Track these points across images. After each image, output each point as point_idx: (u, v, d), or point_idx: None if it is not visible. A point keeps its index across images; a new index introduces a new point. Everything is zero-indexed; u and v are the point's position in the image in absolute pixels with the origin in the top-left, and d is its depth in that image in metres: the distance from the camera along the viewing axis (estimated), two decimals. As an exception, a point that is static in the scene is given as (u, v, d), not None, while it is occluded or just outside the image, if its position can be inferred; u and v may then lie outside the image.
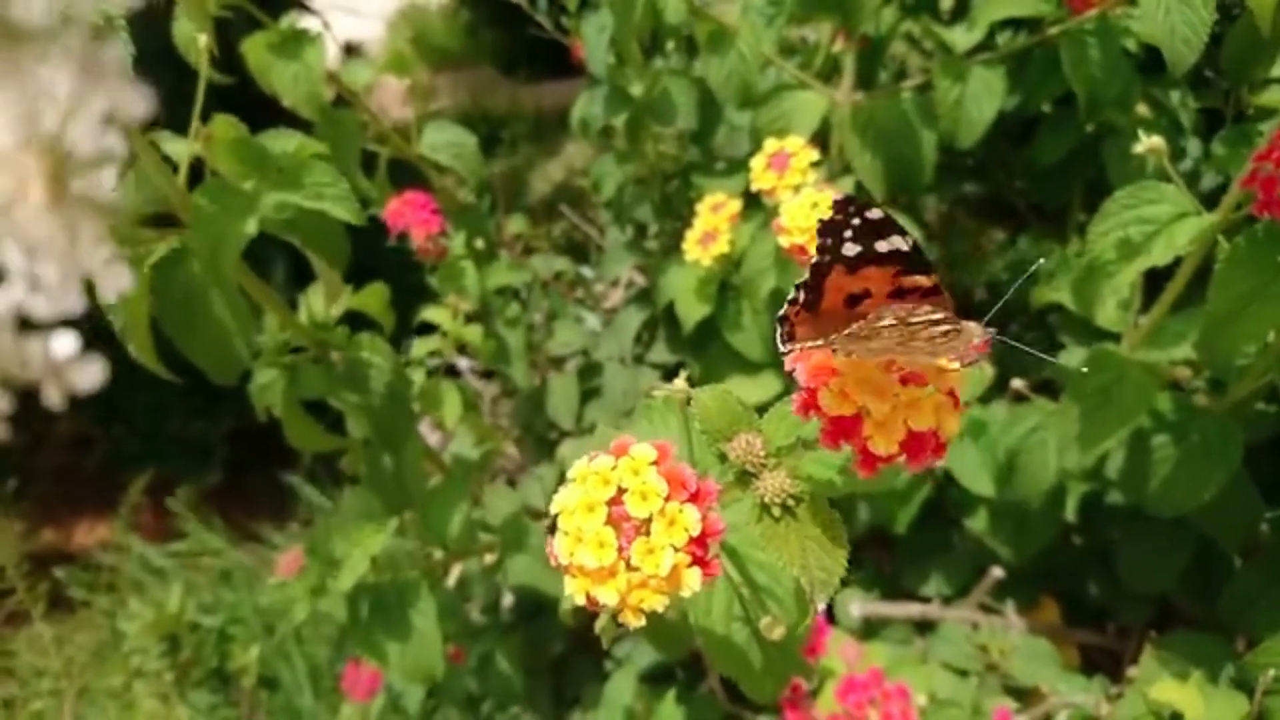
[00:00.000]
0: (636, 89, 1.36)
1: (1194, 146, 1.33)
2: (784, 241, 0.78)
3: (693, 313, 1.27)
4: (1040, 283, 1.41)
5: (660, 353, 1.46)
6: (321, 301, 0.92)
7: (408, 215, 1.19)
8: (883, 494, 1.11)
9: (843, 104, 1.19)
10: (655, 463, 0.40)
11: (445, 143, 1.33)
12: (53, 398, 0.20)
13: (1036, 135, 1.34)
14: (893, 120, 1.18)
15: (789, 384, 1.44)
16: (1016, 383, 0.95)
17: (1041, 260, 1.40)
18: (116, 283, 0.21)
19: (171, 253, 0.72)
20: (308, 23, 1.25)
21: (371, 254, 1.20)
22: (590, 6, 1.43)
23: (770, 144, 0.83)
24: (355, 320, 1.01)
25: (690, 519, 0.39)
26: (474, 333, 1.16)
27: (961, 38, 1.14)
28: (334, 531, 0.89)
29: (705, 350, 1.38)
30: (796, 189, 0.80)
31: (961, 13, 1.47)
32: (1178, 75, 1.19)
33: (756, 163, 0.83)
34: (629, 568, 0.38)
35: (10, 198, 0.19)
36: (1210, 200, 1.52)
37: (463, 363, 1.67)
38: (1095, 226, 0.73)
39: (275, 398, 0.91)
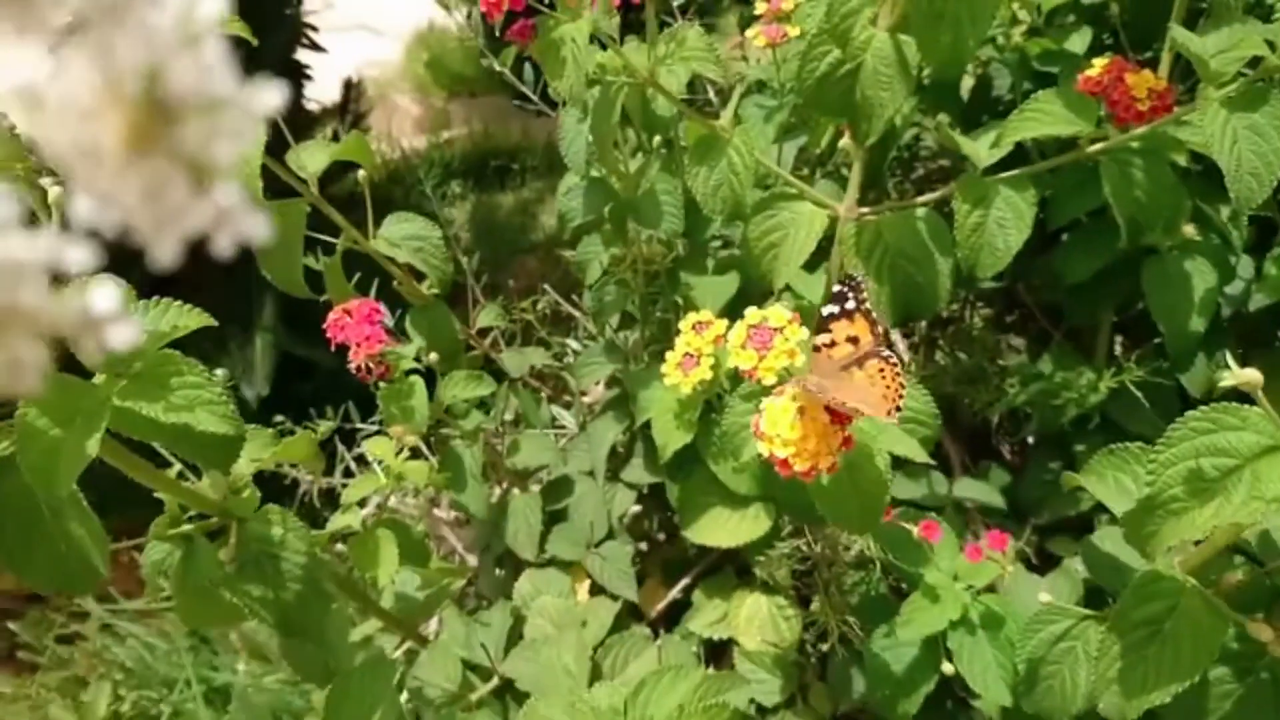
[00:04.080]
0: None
1: (1245, 265, 1.18)
2: (763, 449, 0.62)
3: (671, 441, 1.11)
4: (1066, 410, 1.25)
5: (637, 471, 1.30)
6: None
7: (348, 330, 1.04)
8: (883, 680, 0.95)
9: (846, 219, 1.04)
10: None
11: (406, 236, 1.18)
12: (89, 355, 0.19)
13: (1064, 249, 1.19)
14: (904, 241, 1.03)
15: (780, 520, 1.26)
16: (1044, 596, 0.79)
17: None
18: (231, 237, 0.19)
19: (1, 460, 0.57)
20: (304, 56, 1.09)
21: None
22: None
23: (751, 314, 0.68)
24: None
25: None
26: (418, 469, 1.01)
27: (985, 151, 0.99)
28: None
29: (687, 474, 1.22)
30: (782, 375, 0.65)
31: (984, 104, 1.32)
32: (1243, 212, 1.03)
33: (734, 335, 0.68)
34: None
35: (88, 148, 0.18)
36: (1259, 322, 1.33)
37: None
38: (1159, 454, 0.58)
39: (169, 579, 0.75)
